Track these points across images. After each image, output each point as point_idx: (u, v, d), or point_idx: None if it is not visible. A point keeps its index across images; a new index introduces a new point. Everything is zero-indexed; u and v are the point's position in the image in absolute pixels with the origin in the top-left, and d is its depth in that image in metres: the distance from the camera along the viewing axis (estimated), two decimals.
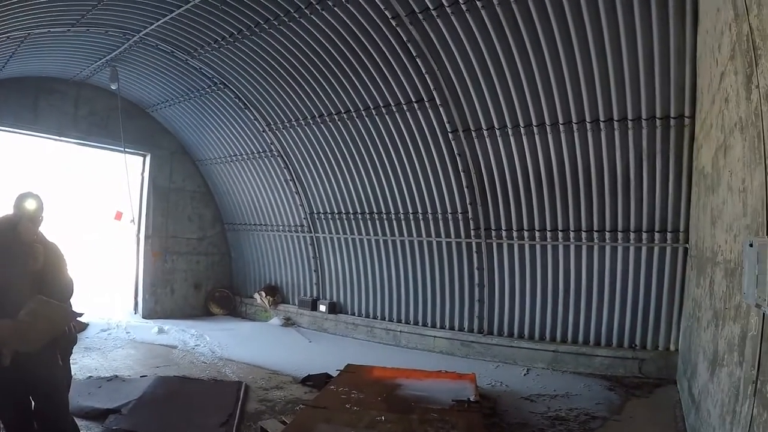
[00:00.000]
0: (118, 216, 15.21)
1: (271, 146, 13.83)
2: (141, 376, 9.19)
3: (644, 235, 9.71)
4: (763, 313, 3.39)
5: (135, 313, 15.55)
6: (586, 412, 8.14)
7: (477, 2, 8.68)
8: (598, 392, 9.14)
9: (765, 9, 3.41)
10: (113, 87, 13.65)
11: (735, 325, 4.43)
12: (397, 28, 9.69)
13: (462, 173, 10.95)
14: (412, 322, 12.75)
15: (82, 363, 9.80)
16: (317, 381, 9.18)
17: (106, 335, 12.42)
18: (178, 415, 7.38)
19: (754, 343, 3.58)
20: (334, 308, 14.24)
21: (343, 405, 7.04)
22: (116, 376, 9.08)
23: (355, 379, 8.43)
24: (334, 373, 9.02)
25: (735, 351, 4.31)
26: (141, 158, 15.87)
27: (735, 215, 4.78)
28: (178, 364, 10.35)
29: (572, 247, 10.43)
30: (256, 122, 13.60)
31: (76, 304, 5.22)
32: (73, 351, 5.46)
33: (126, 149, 14.88)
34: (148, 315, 15.30)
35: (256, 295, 15.88)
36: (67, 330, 5.04)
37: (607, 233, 10.02)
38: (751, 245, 3.74)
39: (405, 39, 9.79)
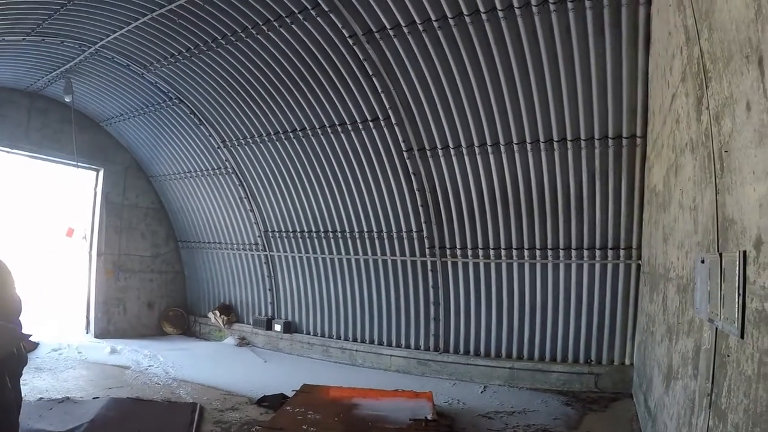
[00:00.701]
0: (70, 233, 14.91)
1: (226, 163, 13.73)
2: (93, 398, 8.96)
3: (598, 252, 9.88)
4: (716, 328, 3.49)
5: (87, 333, 15.20)
6: (543, 427, 8.20)
7: (433, 23, 8.78)
8: (555, 408, 9.22)
9: (715, 33, 3.54)
10: (67, 99, 13.41)
11: (689, 340, 4.55)
12: (354, 47, 9.75)
13: (417, 192, 11.01)
14: (367, 341, 12.72)
15: (33, 384, 9.54)
16: (273, 402, 9.08)
17: (57, 355, 12.12)
18: None
19: (708, 357, 3.68)
20: (289, 327, 14.12)
21: (300, 426, 7.03)
22: (68, 398, 8.86)
23: (311, 399, 8.41)
24: (290, 394, 8.95)
25: (689, 364, 4.42)
26: (94, 173, 15.58)
27: (686, 232, 4.91)
28: (131, 386, 10.13)
29: (527, 265, 10.54)
30: (210, 138, 13.51)
31: (26, 323, 5.10)
32: (23, 372, 5.30)
33: (79, 164, 14.67)
34: (100, 334, 14.95)
35: (211, 315, 15.65)
36: (15, 351, 4.90)
37: (561, 251, 10.16)
38: (702, 262, 3.86)
39: (362, 58, 9.85)
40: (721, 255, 3.36)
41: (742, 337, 2.91)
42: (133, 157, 16.06)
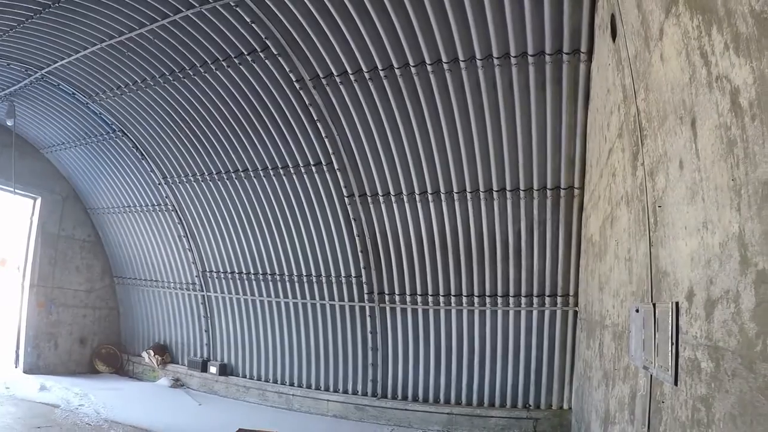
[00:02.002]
0: (3, 263, 14.39)
1: (166, 200, 13.58)
2: None
3: (536, 300, 10.07)
4: (651, 375, 3.63)
5: (15, 367, 14.59)
6: None
7: (379, 71, 8.97)
8: None
9: (651, 93, 3.75)
10: (9, 123, 13.13)
11: (624, 386, 4.70)
12: (301, 92, 9.85)
13: (357, 237, 11.08)
14: (305, 386, 12.59)
15: None
16: None
17: None
18: None
19: (644, 403, 3.82)
20: (225, 370, 13.90)
21: None
22: None
23: None
24: None
25: (626, 410, 4.56)
26: (31, 201, 15.17)
27: (621, 282, 5.09)
28: (60, 425, 9.82)
29: (465, 312, 10.65)
30: (152, 174, 13.36)
31: None
32: None
33: (17, 190, 14.23)
34: (29, 370, 14.39)
35: (145, 354, 15.28)
36: None
37: (499, 298, 10.31)
38: (637, 311, 4.02)
39: (307, 102, 9.94)
40: (654, 305, 3.52)
41: (675, 384, 3.05)
42: (73, 188, 15.73)
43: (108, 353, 16.11)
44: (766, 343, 1.97)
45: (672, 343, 3.10)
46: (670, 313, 3.13)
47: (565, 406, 10.16)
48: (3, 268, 14.40)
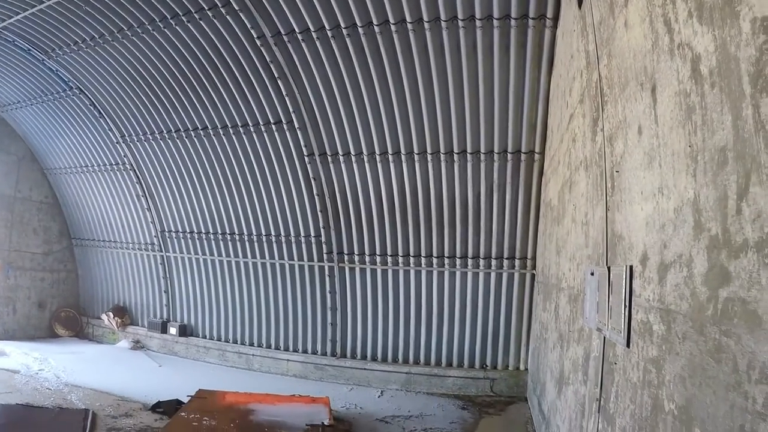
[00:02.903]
0: None
1: (124, 159, 13.33)
2: None
3: (494, 262, 10.18)
4: (604, 337, 3.69)
5: None
6: (440, 431, 8.39)
7: (342, 29, 8.85)
8: (451, 412, 9.42)
9: (614, 60, 3.74)
10: None
11: (579, 347, 4.78)
12: (262, 48, 9.67)
13: (316, 197, 11.02)
14: (264, 346, 12.61)
15: None
16: (168, 408, 8.85)
17: None
18: None
19: (597, 364, 3.89)
20: (185, 331, 13.80)
21: None
22: None
23: (206, 404, 8.27)
24: (185, 399, 8.75)
25: (579, 371, 4.64)
26: None
27: (578, 245, 5.15)
28: (20, 391, 9.64)
29: (424, 272, 10.71)
30: (110, 132, 13.08)
31: None
32: None
33: None
34: None
35: (104, 316, 15.10)
36: None
37: (458, 259, 10.40)
38: (592, 274, 4.07)
39: (268, 60, 9.78)
40: (609, 268, 3.57)
41: (628, 346, 3.11)
42: (29, 148, 15.30)
43: (67, 317, 15.86)
44: (717, 307, 2.01)
45: (625, 306, 3.15)
46: (624, 277, 3.17)
47: (522, 367, 10.37)
48: None
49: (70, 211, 15.83)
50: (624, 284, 3.17)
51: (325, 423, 7.48)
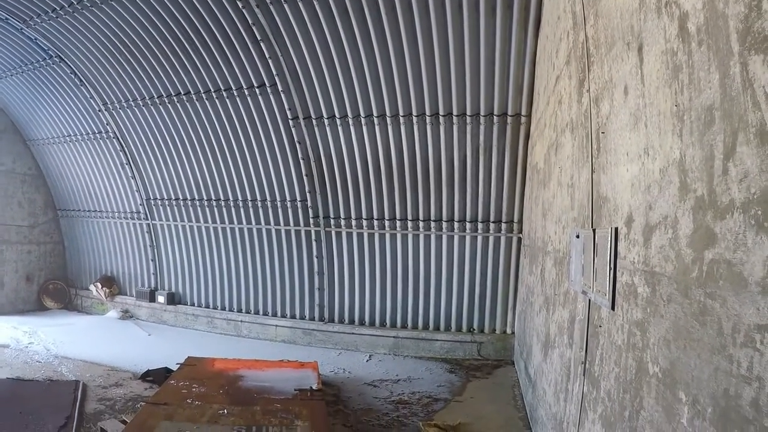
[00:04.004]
0: None
1: (107, 127, 13.14)
2: None
3: (480, 225, 10.17)
4: (589, 300, 3.67)
5: None
6: (428, 394, 8.41)
7: None
8: (439, 375, 9.49)
9: (600, 20, 3.67)
10: None
11: (564, 310, 4.77)
12: (243, 11, 9.48)
13: (302, 161, 10.93)
14: (252, 312, 12.65)
15: None
16: (157, 376, 8.88)
17: None
18: (11, 422, 6.87)
19: (582, 327, 3.88)
20: (173, 299, 13.83)
21: (185, 400, 6.88)
22: None
23: (196, 372, 8.25)
24: (175, 367, 8.76)
25: (565, 334, 4.64)
26: None
27: (564, 208, 5.13)
28: (10, 365, 9.61)
29: (410, 236, 10.70)
30: (92, 100, 12.86)
31: None
32: None
33: None
34: None
35: (92, 287, 15.07)
36: None
37: (444, 222, 10.39)
38: (577, 236, 4.04)
39: (250, 22, 9.60)
40: (594, 231, 3.54)
41: (613, 308, 3.09)
42: (10, 119, 15.05)
43: (55, 289, 15.81)
44: (702, 269, 1.98)
45: (610, 269, 3.12)
46: (609, 239, 3.14)
47: (509, 331, 10.44)
48: None
49: (55, 182, 15.63)
50: (609, 247, 3.14)
51: (314, 387, 7.49)
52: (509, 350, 10.27)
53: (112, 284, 15.00)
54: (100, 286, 14.88)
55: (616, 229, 3.10)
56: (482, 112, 9.36)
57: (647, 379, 2.52)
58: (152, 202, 13.60)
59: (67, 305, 15.79)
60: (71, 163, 14.77)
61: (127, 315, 14.44)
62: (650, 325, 2.52)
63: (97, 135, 13.59)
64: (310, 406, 6.76)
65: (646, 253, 2.61)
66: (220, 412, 6.46)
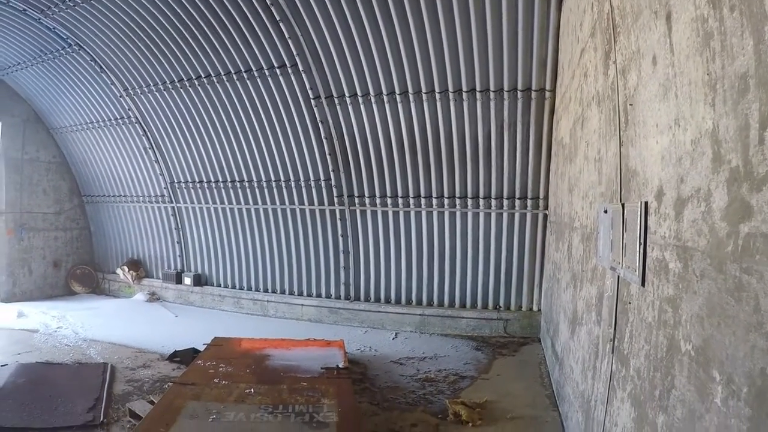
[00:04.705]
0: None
1: (129, 112, 13.17)
2: (1, 366, 8.51)
3: (506, 202, 10.08)
4: (618, 276, 3.60)
5: None
6: (455, 372, 8.38)
7: None
8: (465, 352, 9.45)
9: None
10: None
11: (592, 287, 4.69)
12: None
13: (324, 140, 10.89)
14: (279, 291, 12.69)
15: None
16: (184, 357, 8.94)
17: None
18: (42, 404, 6.91)
19: (611, 304, 3.80)
20: (199, 280, 13.93)
21: (212, 379, 6.91)
22: None
23: (222, 352, 8.29)
24: (202, 348, 8.80)
25: (593, 311, 4.56)
26: None
27: (591, 183, 5.02)
28: (40, 349, 9.69)
29: (435, 213, 10.64)
30: (113, 87, 12.88)
31: None
32: None
33: None
34: (6, 298, 14.20)
35: (119, 271, 15.21)
36: None
37: (469, 199, 10.31)
38: (605, 212, 3.96)
39: (269, 2, 9.51)
40: (623, 205, 3.45)
41: (643, 285, 3.01)
42: (33, 109, 15.09)
43: (83, 273, 15.95)
44: (738, 244, 1.90)
45: (640, 244, 3.04)
46: (639, 213, 3.06)
47: (535, 308, 10.37)
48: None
49: (79, 168, 15.73)
50: (639, 221, 3.05)
51: (340, 366, 7.49)
52: (535, 327, 10.20)
53: (138, 267, 15.13)
54: (126, 269, 15.01)
55: (646, 203, 3.01)
56: (506, 88, 9.22)
57: (679, 358, 2.45)
58: (176, 185, 13.64)
59: (95, 289, 15.95)
60: (94, 150, 14.84)
61: (154, 297, 14.57)
62: (682, 302, 2.44)
63: (119, 120, 13.64)
64: (337, 384, 6.76)
65: (678, 228, 2.52)
66: (247, 391, 6.48)
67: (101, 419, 6.57)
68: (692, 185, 2.37)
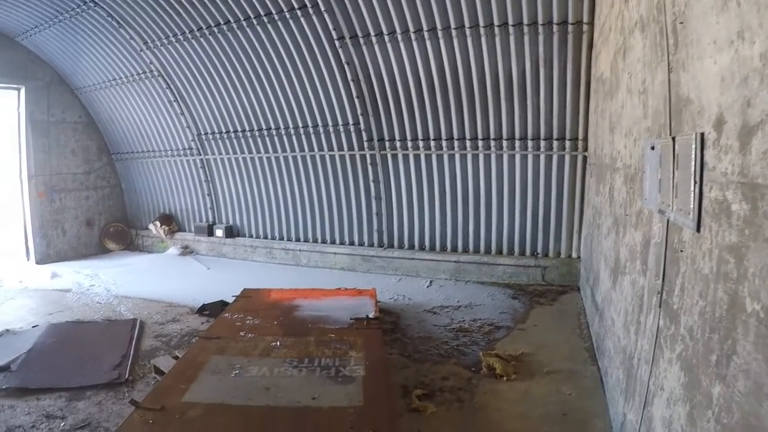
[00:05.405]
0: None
1: (150, 66, 12.90)
2: (32, 327, 8.55)
3: (543, 143, 9.61)
4: (667, 220, 3.18)
5: (28, 260, 14.42)
6: (490, 322, 8.09)
7: None
8: (502, 301, 9.15)
9: None
10: None
11: (637, 232, 4.29)
12: None
13: (351, 83, 10.51)
14: (311, 240, 12.57)
15: None
16: (213, 309, 8.86)
17: None
18: (70, 363, 6.91)
19: (658, 252, 3.39)
20: (231, 232, 13.91)
21: (238, 333, 6.79)
22: (7, 330, 8.36)
23: (251, 304, 8.16)
24: (231, 300, 8.64)
25: (638, 259, 4.16)
26: (15, 92, 14.32)
27: (635, 118, 4.61)
28: (71, 308, 9.71)
29: (469, 156, 10.25)
30: (132, 41, 12.58)
31: None
32: None
33: None
34: (41, 260, 14.29)
35: (151, 226, 15.24)
36: None
37: (504, 141, 9.87)
38: (652, 148, 3.52)
39: None
40: (674, 139, 3.01)
41: (698, 230, 2.59)
42: (55, 71, 14.86)
43: (116, 231, 16.03)
44: None
45: (695, 182, 2.60)
46: (694, 147, 2.61)
47: (574, 255, 9.97)
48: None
49: (106, 127, 15.58)
50: (693, 156, 2.61)
51: (370, 316, 7.26)
52: (575, 275, 9.81)
53: (170, 222, 15.16)
54: (159, 224, 15.05)
55: (702, 134, 2.57)
56: (540, 21, 8.66)
57: (743, 318, 2.05)
58: (203, 137, 13.45)
59: (129, 246, 16.03)
60: (120, 107, 14.66)
61: (187, 251, 14.60)
62: (749, 251, 2.03)
63: (142, 75, 13.38)
64: (366, 336, 6.56)
65: (744, 162, 2.10)
66: (273, 344, 6.34)
67: (126, 376, 6.54)
68: (763, 109, 1.94)
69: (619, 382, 4.53)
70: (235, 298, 8.60)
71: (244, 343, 6.39)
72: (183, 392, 5.08)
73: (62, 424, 5.45)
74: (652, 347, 3.40)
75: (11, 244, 14.64)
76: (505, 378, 6.07)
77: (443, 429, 5.10)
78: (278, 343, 6.34)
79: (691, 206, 2.63)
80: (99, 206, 15.83)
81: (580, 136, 9.34)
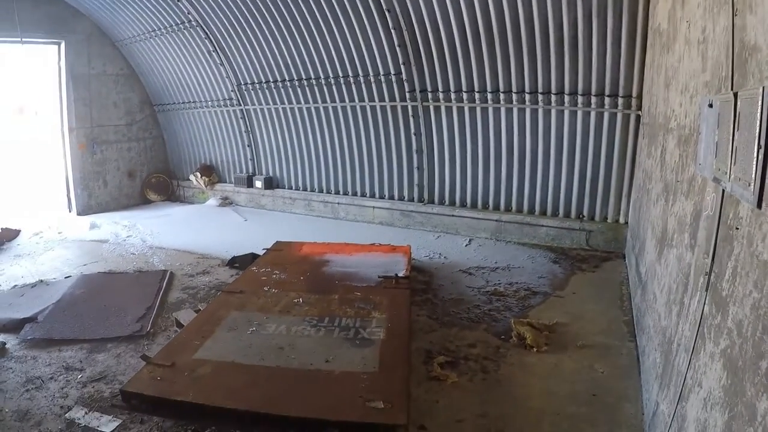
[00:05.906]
0: (21, 110, 13.93)
1: (189, 16, 12.67)
2: (65, 277, 8.63)
3: (593, 99, 9.13)
4: (723, 190, 2.73)
5: (70, 212, 14.59)
6: (527, 286, 7.83)
7: None
8: (542, 265, 8.86)
9: None
10: None
11: (687, 202, 3.86)
12: None
13: (393, 30, 10.15)
14: (350, 193, 12.47)
15: (10, 272, 9.13)
16: (243, 262, 8.81)
17: (38, 239, 11.50)
18: (95, 315, 6.98)
19: (710, 226, 2.96)
20: (270, 183, 13.90)
21: (262, 287, 6.73)
22: (41, 281, 8.50)
23: (280, 257, 8.10)
24: (262, 253, 8.59)
25: (686, 232, 3.75)
26: (55, 47, 14.29)
27: (692, 72, 4.17)
28: (106, 259, 9.82)
29: (515, 110, 9.85)
30: None
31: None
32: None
33: (38, 39, 13.52)
34: (82, 211, 14.46)
35: (192, 177, 15.36)
36: None
37: (553, 95, 9.42)
38: (710, 105, 3.06)
39: None
40: (736, 95, 2.53)
41: (758, 206, 2.12)
42: (95, 24, 14.77)
43: (158, 182, 16.21)
44: None
45: (759, 147, 2.10)
46: (760, 103, 2.11)
47: (621, 220, 9.52)
48: (21, 115, 13.95)
49: (147, 78, 15.56)
50: (759, 115, 2.11)
51: (400, 275, 7.03)
52: (621, 242, 9.37)
53: (211, 173, 15.24)
54: (199, 175, 15.16)
55: None
56: None
57: None
58: (243, 87, 13.31)
59: (170, 197, 16.20)
60: (160, 58, 14.59)
61: (226, 202, 14.72)
62: None
63: (180, 26, 13.22)
64: (392, 296, 6.37)
65: None
66: (296, 301, 6.23)
67: (148, 329, 6.58)
68: None
69: (656, 365, 4.20)
70: (265, 250, 8.54)
71: (266, 299, 6.31)
72: (196, 348, 5.02)
73: (79, 376, 5.47)
74: (693, 335, 3.01)
75: (54, 196, 14.80)
76: (535, 349, 5.82)
77: (462, 402, 4.87)
78: (301, 300, 6.25)
79: (753, 176, 2.15)
80: (141, 157, 15.96)
81: (634, 93, 8.77)
